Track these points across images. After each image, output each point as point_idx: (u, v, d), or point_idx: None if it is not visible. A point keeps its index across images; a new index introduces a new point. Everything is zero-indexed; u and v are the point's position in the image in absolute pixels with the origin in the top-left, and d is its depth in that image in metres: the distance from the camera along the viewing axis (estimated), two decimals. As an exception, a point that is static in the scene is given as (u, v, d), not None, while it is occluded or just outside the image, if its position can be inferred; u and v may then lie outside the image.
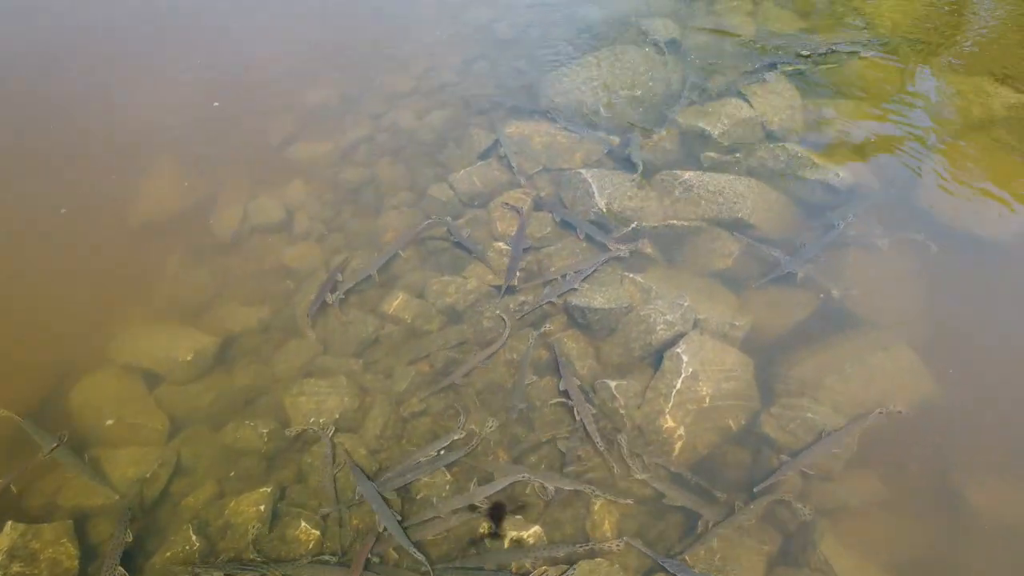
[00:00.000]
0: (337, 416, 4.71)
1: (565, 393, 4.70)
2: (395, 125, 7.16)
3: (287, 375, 5.03)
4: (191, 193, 6.53)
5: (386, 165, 6.72)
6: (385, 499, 4.24)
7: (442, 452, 4.47)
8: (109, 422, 4.75)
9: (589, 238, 5.66)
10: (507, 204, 6.00)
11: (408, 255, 5.78)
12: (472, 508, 4.19)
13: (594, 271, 5.37)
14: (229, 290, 5.69)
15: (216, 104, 7.41)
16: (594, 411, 4.60)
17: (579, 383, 4.76)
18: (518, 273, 5.47)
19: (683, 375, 4.59)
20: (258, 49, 8.24)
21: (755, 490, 4.21)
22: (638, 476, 4.28)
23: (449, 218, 5.97)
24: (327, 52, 8.17)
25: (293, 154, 6.96)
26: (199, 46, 8.29)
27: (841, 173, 5.96)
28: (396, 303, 5.35)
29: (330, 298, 5.43)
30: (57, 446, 4.59)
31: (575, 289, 5.23)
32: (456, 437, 4.52)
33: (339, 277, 5.62)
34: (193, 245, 6.05)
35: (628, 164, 6.26)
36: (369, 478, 4.37)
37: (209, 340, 5.20)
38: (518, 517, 4.18)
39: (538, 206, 6.07)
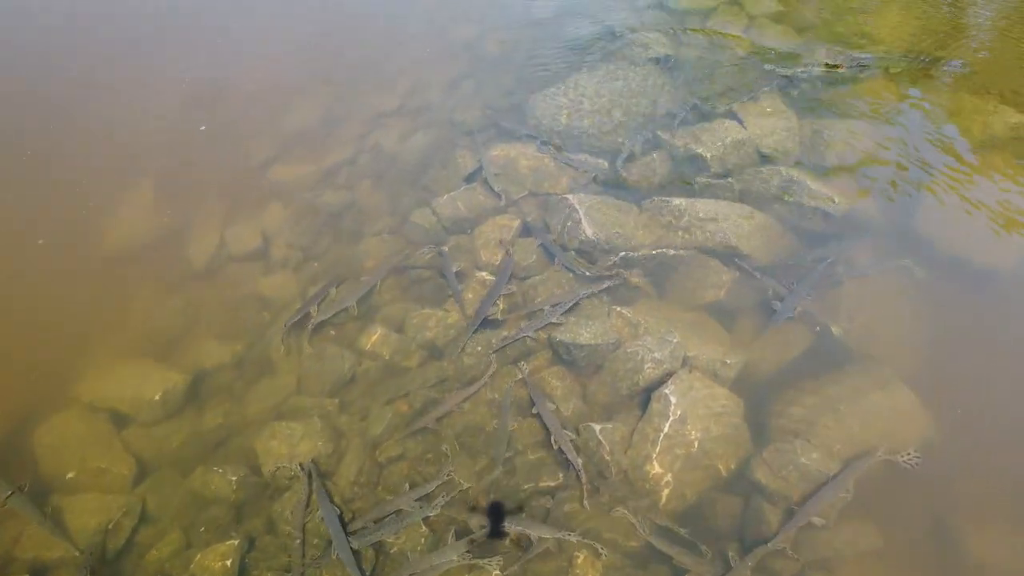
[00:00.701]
0: (310, 461, 4.50)
1: (539, 416, 4.54)
2: (378, 146, 6.94)
3: (259, 417, 4.81)
4: (166, 219, 6.30)
5: (368, 189, 6.50)
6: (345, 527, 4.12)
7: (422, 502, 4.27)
8: (70, 474, 4.53)
9: (569, 269, 5.45)
10: (506, 245, 5.73)
11: (388, 285, 5.57)
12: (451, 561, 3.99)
13: (574, 304, 5.17)
14: (202, 323, 5.48)
15: (203, 128, 7.18)
16: (572, 436, 4.44)
17: (553, 407, 4.61)
18: (500, 305, 5.27)
19: (671, 418, 4.39)
20: (245, 61, 8.05)
21: (769, 545, 3.97)
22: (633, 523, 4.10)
23: (445, 248, 5.75)
24: (313, 67, 7.95)
25: (273, 176, 6.73)
26: (187, 58, 8.07)
27: (837, 199, 5.75)
28: (374, 338, 5.15)
29: (314, 311, 5.29)
30: (12, 494, 4.38)
31: (554, 323, 5.04)
32: (442, 480, 4.34)
33: (332, 291, 5.48)
34: (166, 275, 5.82)
35: (615, 189, 6.06)
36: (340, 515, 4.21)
37: (179, 378, 4.99)
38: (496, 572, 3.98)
39: (524, 232, 5.87)
